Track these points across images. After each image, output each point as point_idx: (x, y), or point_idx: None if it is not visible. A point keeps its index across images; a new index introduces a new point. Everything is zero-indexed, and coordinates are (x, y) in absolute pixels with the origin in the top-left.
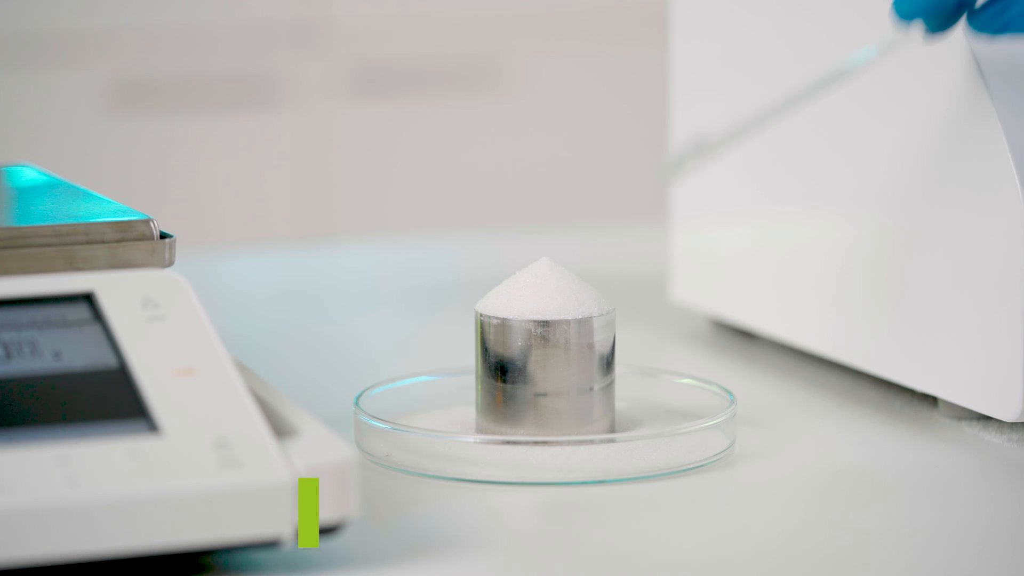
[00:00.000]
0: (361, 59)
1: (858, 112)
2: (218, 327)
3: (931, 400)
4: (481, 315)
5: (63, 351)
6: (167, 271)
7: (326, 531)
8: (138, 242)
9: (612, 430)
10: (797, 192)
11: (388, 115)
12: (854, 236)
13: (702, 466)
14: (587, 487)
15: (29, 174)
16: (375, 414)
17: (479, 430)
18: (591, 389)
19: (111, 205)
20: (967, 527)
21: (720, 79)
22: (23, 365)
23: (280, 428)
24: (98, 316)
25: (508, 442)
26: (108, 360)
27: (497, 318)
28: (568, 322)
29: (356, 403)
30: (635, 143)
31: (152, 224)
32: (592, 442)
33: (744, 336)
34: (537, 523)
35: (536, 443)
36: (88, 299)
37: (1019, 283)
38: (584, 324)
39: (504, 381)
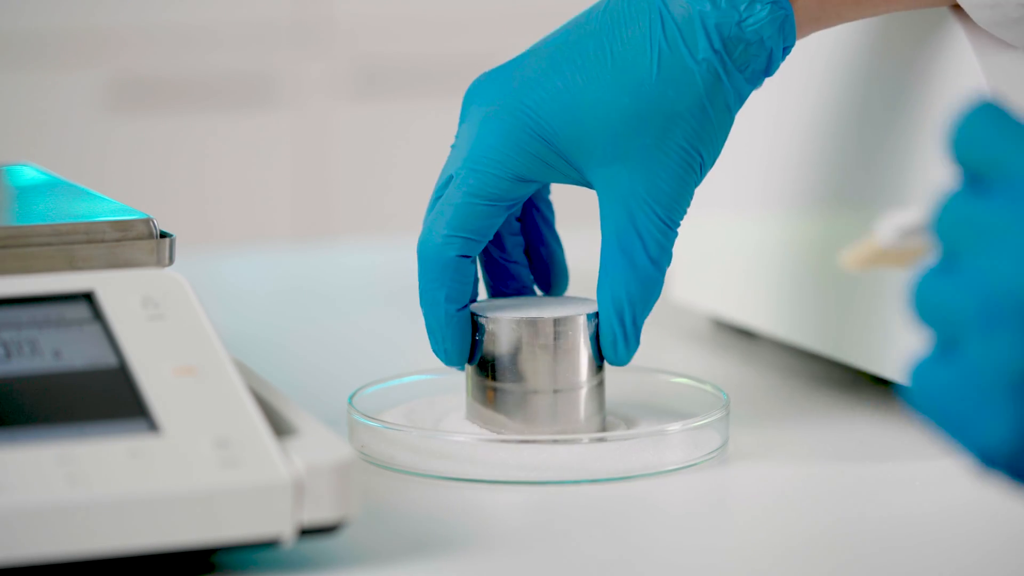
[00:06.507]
0: (361, 59)
1: (859, 112)
2: (218, 326)
3: None
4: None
5: (63, 350)
6: (167, 270)
7: (327, 530)
8: (138, 241)
9: (603, 429)
10: (798, 192)
11: (388, 115)
12: (854, 236)
13: (693, 465)
14: (580, 486)
15: (29, 173)
16: (371, 413)
17: (469, 423)
18: (582, 387)
19: (111, 204)
20: (967, 527)
21: None
22: (23, 364)
23: (280, 427)
24: (98, 315)
25: (502, 440)
26: (108, 359)
27: (485, 316)
28: (558, 320)
29: (349, 401)
30: None
31: (152, 223)
32: (580, 441)
33: (744, 336)
34: (530, 523)
35: (522, 441)
36: (88, 298)
37: None
38: (572, 322)
39: (494, 379)
